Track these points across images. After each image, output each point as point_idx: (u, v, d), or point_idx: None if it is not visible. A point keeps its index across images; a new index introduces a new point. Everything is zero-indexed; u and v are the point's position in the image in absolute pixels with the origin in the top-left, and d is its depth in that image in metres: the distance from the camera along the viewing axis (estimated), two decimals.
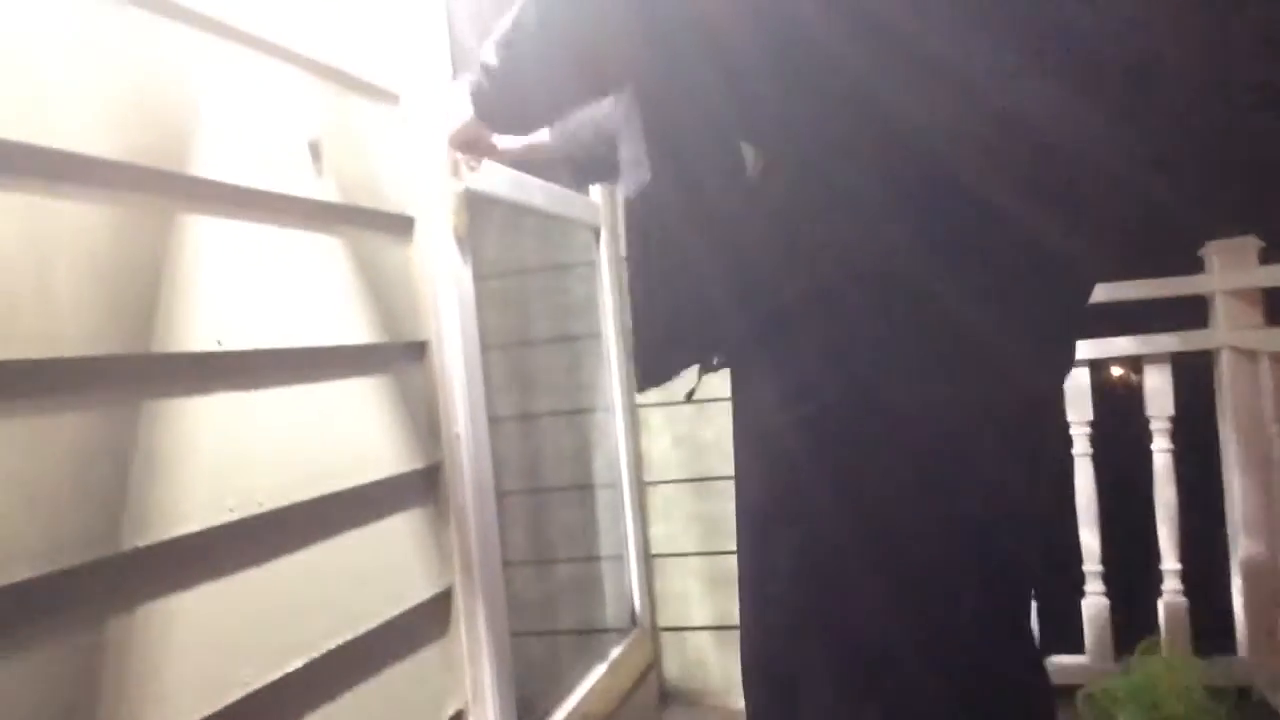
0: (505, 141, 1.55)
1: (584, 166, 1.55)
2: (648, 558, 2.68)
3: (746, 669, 1.12)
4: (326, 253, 1.30)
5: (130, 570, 0.94)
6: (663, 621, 2.70)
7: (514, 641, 1.67)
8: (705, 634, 2.67)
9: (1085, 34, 0.92)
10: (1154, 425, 2.46)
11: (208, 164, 1.08)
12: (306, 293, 1.24)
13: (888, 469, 0.98)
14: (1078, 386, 2.46)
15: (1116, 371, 3.33)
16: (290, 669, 1.15)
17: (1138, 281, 2.46)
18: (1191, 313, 2.50)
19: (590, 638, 2.56)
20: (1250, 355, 2.37)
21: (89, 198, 0.93)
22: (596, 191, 2.61)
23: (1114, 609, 2.49)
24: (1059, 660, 2.50)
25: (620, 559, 2.64)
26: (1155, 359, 2.46)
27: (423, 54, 1.55)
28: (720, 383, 1.16)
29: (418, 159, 1.53)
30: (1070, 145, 0.93)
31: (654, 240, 1.08)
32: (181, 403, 1.03)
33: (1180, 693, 2.20)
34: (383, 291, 1.42)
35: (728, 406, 1.13)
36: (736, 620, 1.13)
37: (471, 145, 1.53)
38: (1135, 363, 2.61)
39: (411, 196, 1.52)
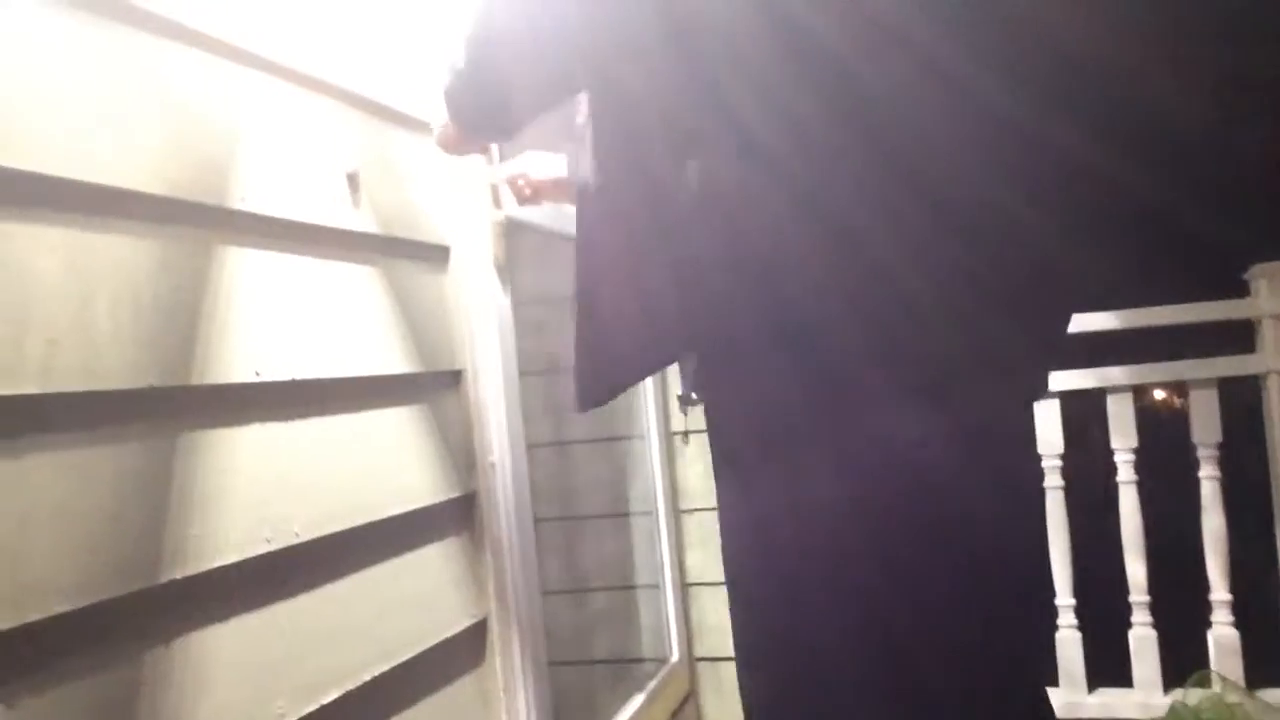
0: (538, 175, 1.52)
1: None
2: (684, 586, 2.65)
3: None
4: (363, 283, 1.31)
5: (167, 603, 0.95)
6: (699, 651, 2.66)
7: (550, 671, 1.66)
8: None
9: (1069, 39, 0.90)
10: (1201, 453, 2.41)
11: (246, 197, 1.09)
12: (343, 323, 1.25)
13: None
14: (1122, 414, 2.41)
15: (1159, 395, 3.27)
16: (326, 700, 1.14)
17: (1183, 305, 2.42)
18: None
19: (627, 667, 2.54)
20: None
21: (129, 231, 0.94)
22: None
23: (1162, 641, 2.42)
24: (1106, 694, 2.44)
25: (656, 587, 2.62)
26: (1201, 384, 2.41)
27: None
28: None
29: (453, 188, 1.54)
30: (1056, 152, 0.91)
31: (596, 252, 1.04)
32: (219, 434, 1.03)
33: None
34: (418, 321, 1.42)
35: None
36: None
37: (515, 186, 1.51)
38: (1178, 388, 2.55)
39: (447, 226, 1.53)
